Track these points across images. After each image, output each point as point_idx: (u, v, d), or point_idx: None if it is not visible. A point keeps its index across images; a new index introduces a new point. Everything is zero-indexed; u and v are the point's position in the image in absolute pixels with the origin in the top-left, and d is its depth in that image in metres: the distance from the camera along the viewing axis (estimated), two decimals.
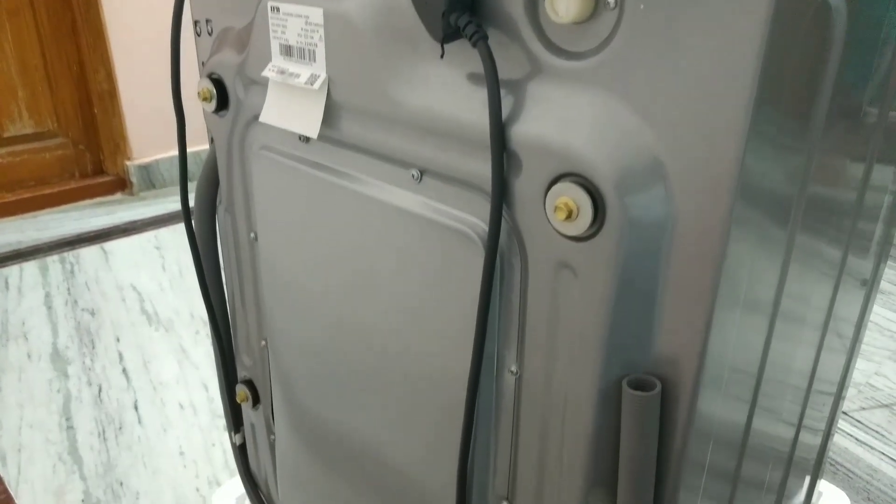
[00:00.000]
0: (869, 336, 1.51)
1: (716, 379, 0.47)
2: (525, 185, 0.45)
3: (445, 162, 0.49)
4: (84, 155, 2.10)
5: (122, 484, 1.07)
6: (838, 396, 0.85)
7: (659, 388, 0.44)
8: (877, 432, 1.22)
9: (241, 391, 0.81)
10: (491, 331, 0.51)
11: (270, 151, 0.63)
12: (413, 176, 0.52)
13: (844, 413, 1.27)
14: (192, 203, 0.76)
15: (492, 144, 0.44)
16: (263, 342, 0.76)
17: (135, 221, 1.96)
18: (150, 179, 2.17)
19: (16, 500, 1.03)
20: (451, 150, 0.48)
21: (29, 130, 1.99)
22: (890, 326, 1.55)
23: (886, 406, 1.29)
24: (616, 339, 0.44)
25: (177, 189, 2.20)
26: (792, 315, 0.59)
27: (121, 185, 2.15)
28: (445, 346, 0.54)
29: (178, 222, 1.97)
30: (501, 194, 0.45)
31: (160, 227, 1.93)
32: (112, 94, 2.01)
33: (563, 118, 0.43)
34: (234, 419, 0.88)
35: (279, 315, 0.70)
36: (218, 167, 0.73)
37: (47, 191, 2.00)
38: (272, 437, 0.82)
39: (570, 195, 0.42)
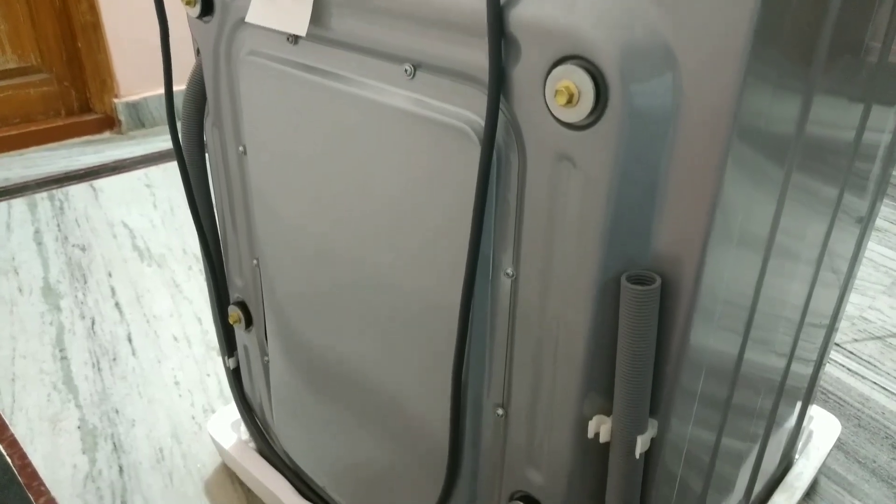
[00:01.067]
0: (863, 271, 1.51)
1: (710, 307, 0.46)
2: (524, 73, 0.43)
3: (439, 53, 0.47)
4: (69, 91, 2.05)
5: (117, 412, 1.07)
6: (831, 329, 0.85)
7: (659, 282, 0.43)
8: (869, 363, 1.23)
9: (234, 312, 0.80)
10: (486, 233, 0.49)
11: (258, 56, 0.61)
12: (406, 71, 0.49)
13: (837, 345, 1.27)
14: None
15: (489, 29, 0.42)
16: (255, 261, 0.75)
17: (124, 160, 1.93)
18: (139, 118, 2.12)
19: (11, 428, 1.04)
20: (446, 39, 0.46)
21: (12, 65, 1.93)
22: (885, 262, 1.55)
23: (879, 338, 1.30)
24: (616, 232, 0.43)
25: (167, 129, 2.15)
26: (787, 251, 0.59)
27: (109, 123, 2.10)
28: (439, 253, 0.53)
29: (169, 161, 1.93)
30: (499, 81, 0.43)
31: (150, 165, 1.90)
32: (96, 26, 1.94)
33: None
34: (228, 343, 0.87)
35: (270, 231, 0.69)
36: (204, 79, 0.70)
37: (33, 128, 1.95)
38: (266, 358, 0.81)
39: (571, 79, 0.40)
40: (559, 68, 0.40)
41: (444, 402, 0.59)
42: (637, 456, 0.47)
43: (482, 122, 0.46)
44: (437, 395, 0.59)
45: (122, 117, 2.07)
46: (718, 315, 0.50)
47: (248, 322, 0.81)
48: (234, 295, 0.82)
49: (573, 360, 0.48)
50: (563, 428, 0.51)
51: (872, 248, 1.61)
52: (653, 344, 0.44)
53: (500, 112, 0.45)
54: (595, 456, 0.52)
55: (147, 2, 2.00)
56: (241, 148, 0.69)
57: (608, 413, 0.49)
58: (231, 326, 0.86)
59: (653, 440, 0.49)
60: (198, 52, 0.70)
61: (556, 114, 0.41)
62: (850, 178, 0.64)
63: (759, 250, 0.53)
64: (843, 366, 1.22)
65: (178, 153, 0.73)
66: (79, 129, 2.04)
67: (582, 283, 0.45)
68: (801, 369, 0.82)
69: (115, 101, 2.06)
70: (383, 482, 0.71)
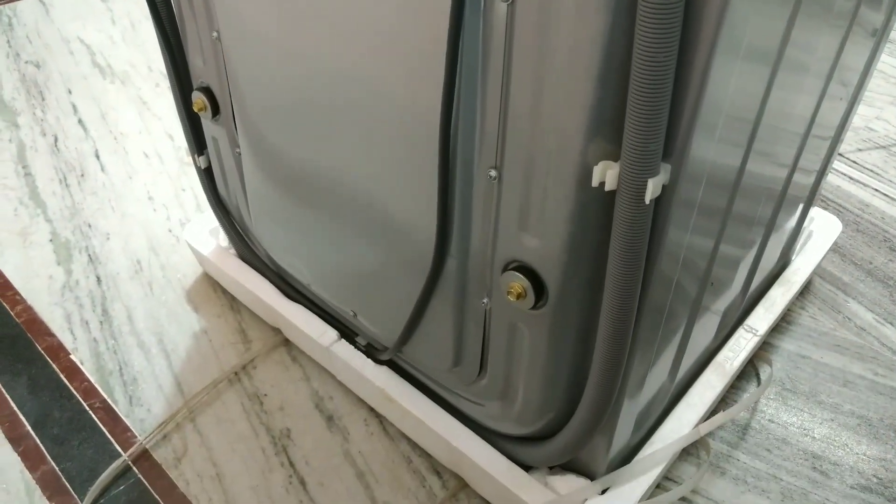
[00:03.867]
0: (873, 83, 1.43)
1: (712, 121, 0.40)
2: None
3: None
4: None
5: (90, 226, 1.02)
6: (836, 140, 0.80)
7: None
8: (871, 171, 1.18)
9: (198, 99, 0.73)
10: None
11: None
12: None
13: (840, 154, 1.22)
14: None
15: None
16: (215, 33, 0.66)
17: None
18: None
19: None
20: None
21: None
22: (895, 73, 1.46)
23: (883, 147, 1.25)
24: None
25: None
26: (796, 64, 0.54)
27: None
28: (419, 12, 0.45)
29: None
30: None
31: None
32: None
33: None
34: (197, 140, 0.80)
35: None
36: None
37: None
38: (237, 150, 0.75)
39: None
40: None
41: (428, 184, 0.53)
42: (647, 202, 0.42)
43: None
44: (421, 178, 0.54)
45: None
46: (721, 128, 0.46)
47: (215, 110, 0.73)
48: (196, 80, 0.74)
49: (579, 93, 0.41)
50: (564, 179, 0.45)
51: (883, 59, 1.52)
52: (674, 58, 0.37)
53: None
54: (596, 213, 0.47)
55: None
56: None
57: (616, 159, 0.43)
58: (198, 120, 0.78)
59: (664, 188, 0.44)
60: None
61: None
62: None
63: (767, 63, 0.49)
64: (845, 174, 1.18)
65: None
66: None
67: None
68: (803, 179, 0.78)
69: None
70: (369, 273, 0.67)
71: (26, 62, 1.38)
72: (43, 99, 1.28)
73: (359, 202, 0.62)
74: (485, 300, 0.58)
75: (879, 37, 0.72)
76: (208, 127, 0.77)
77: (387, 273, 0.65)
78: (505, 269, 0.54)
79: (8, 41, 1.45)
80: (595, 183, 0.44)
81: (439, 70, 0.47)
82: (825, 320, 0.92)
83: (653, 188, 0.42)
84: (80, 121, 1.24)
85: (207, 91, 0.72)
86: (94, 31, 1.50)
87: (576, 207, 0.46)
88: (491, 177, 0.50)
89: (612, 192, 0.44)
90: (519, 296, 0.52)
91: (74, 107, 1.27)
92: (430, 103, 0.49)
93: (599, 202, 0.46)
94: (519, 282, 0.52)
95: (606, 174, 0.43)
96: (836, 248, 1.03)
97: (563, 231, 0.48)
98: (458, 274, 0.58)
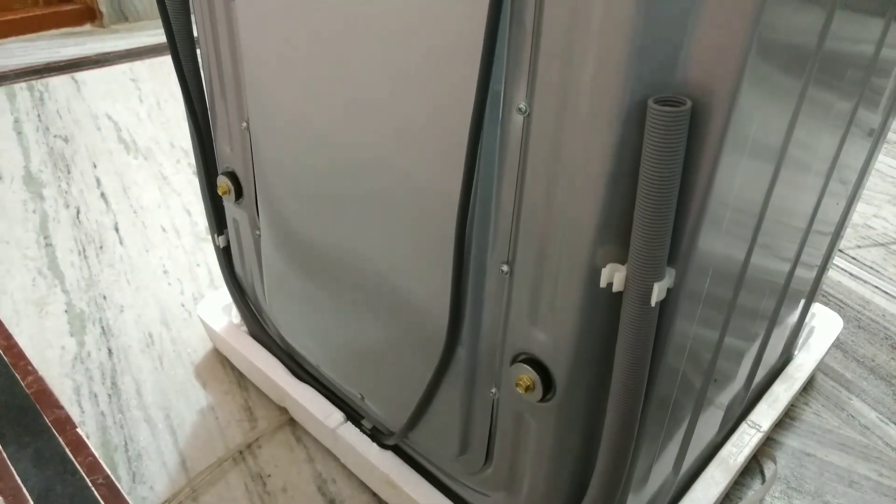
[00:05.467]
0: (871, 182, 1.48)
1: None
2: None
3: None
4: None
5: (105, 298, 1.05)
6: (836, 236, 0.83)
7: (689, 104, 0.39)
8: (871, 268, 1.21)
9: (223, 183, 0.76)
10: (498, 62, 0.45)
11: None
12: None
13: (840, 251, 1.25)
14: None
15: None
16: (244, 123, 0.70)
17: (107, 53, 1.84)
18: (122, 11, 2.02)
19: None
20: None
21: None
22: (892, 173, 1.51)
23: (882, 245, 1.27)
24: (644, 50, 0.39)
25: (152, 24, 2.05)
26: (798, 162, 0.57)
27: (90, 15, 2.00)
28: (442, 107, 0.48)
29: (154, 56, 1.85)
30: None
31: (135, 60, 1.82)
32: None
33: None
34: (217, 220, 0.83)
35: (260, 85, 0.64)
36: None
37: (10, 17, 1.85)
38: (257, 233, 0.78)
39: None
40: None
41: (443, 274, 0.56)
42: (653, 304, 0.44)
43: None
44: (436, 267, 0.56)
45: (103, 8, 1.97)
46: (726, 223, 0.49)
47: (238, 194, 0.77)
48: (222, 165, 0.77)
49: (589, 200, 0.44)
50: (573, 279, 0.48)
51: (881, 159, 1.57)
52: (678, 174, 0.40)
53: None
54: (604, 311, 0.49)
55: None
56: None
57: (623, 262, 0.46)
58: (220, 201, 0.82)
59: (669, 291, 0.46)
60: None
61: None
62: (864, 92, 0.64)
63: (770, 161, 0.52)
64: (846, 270, 1.20)
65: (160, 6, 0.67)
66: (58, 19, 1.94)
67: (604, 112, 0.41)
68: (805, 273, 0.81)
69: None
70: (379, 357, 0.69)
71: (55, 136, 1.44)
72: (69, 172, 1.33)
73: (373, 287, 0.64)
74: (493, 390, 0.59)
75: (876, 137, 0.76)
76: (230, 209, 0.80)
77: (397, 358, 0.67)
78: (514, 360, 0.55)
79: (39, 116, 1.52)
80: (603, 284, 0.46)
81: (459, 169, 0.50)
82: (829, 417, 0.93)
83: (658, 291, 0.44)
84: (102, 194, 1.28)
85: (232, 175, 0.76)
86: (122, 108, 1.56)
87: (584, 305, 0.48)
88: (503, 271, 0.53)
89: (620, 293, 0.46)
90: (527, 388, 0.54)
91: (98, 180, 1.32)
92: (448, 198, 0.52)
93: (607, 301, 0.48)
94: (528, 374, 0.54)
95: (614, 276, 0.45)
96: (837, 345, 1.04)
97: (571, 327, 0.50)
98: (468, 363, 0.60)
